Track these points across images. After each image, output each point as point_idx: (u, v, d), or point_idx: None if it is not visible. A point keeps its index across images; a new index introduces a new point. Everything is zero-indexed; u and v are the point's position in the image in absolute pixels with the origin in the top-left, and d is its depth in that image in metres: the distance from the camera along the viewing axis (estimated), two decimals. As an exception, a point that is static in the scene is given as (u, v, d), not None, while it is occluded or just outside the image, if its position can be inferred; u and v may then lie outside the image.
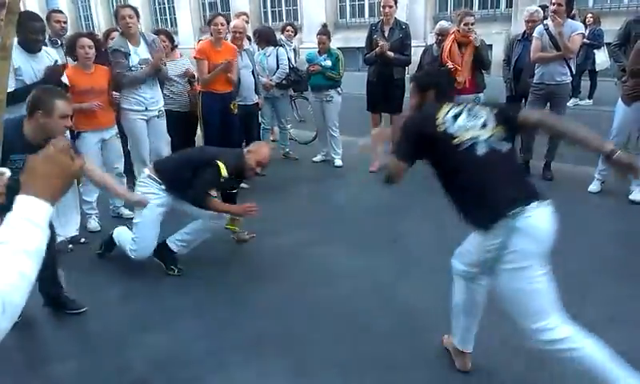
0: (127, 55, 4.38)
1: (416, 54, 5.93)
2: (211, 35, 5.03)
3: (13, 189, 1.16)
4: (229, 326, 2.99)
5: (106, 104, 4.20)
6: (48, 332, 3.01)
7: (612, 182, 4.78)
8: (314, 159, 6.27)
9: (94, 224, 4.40)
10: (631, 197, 4.54)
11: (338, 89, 5.92)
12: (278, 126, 6.42)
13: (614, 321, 2.88)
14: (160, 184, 3.53)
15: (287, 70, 5.96)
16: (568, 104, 5.97)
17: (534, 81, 5.11)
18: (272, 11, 15.62)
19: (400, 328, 2.90)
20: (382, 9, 5.51)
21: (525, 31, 5.52)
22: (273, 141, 6.69)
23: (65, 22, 4.98)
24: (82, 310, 3.17)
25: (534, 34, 5.06)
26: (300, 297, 3.27)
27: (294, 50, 6.60)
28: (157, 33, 5.41)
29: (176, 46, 5.54)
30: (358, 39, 6.24)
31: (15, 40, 3.63)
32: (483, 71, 5.38)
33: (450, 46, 5.21)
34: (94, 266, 3.81)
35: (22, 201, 1.00)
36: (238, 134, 5.32)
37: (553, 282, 2.25)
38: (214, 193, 3.74)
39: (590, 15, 8.59)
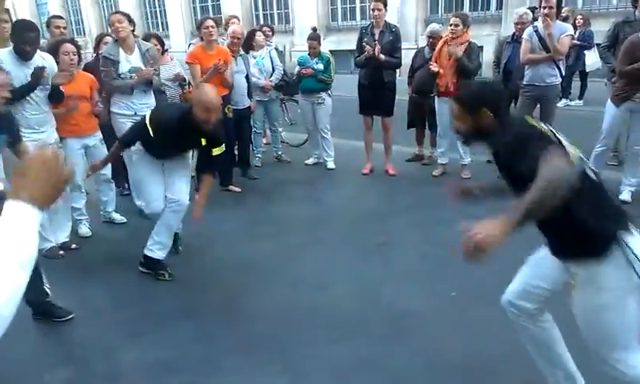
0: (116, 63, 4.32)
1: (407, 57, 5.94)
2: (202, 40, 5.00)
3: None
4: (221, 330, 2.98)
5: (87, 110, 4.18)
6: (37, 341, 2.98)
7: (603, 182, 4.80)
8: (307, 162, 6.26)
9: (84, 229, 4.37)
10: (621, 197, 4.57)
11: (329, 91, 5.93)
12: (270, 128, 6.41)
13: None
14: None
15: (282, 71, 5.98)
16: (558, 105, 6.02)
17: (524, 82, 5.13)
18: (263, 15, 15.61)
19: (392, 330, 2.91)
20: (371, 12, 5.52)
21: (514, 33, 5.55)
22: (266, 144, 6.69)
23: (64, 28, 5.00)
24: (69, 317, 3.11)
25: (524, 36, 5.08)
26: (292, 300, 3.26)
27: (277, 49, 6.59)
28: (148, 37, 5.39)
29: (166, 50, 5.52)
30: (350, 42, 6.26)
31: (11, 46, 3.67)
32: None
33: (441, 48, 5.23)
34: (85, 272, 3.78)
35: (12, 208, 0.98)
36: (232, 137, 5.31)
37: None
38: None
39: (579, 16, 8.65)
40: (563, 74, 5.16)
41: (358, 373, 2.57)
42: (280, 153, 6.49)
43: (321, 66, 5.76)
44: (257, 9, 15.70)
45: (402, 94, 5.82)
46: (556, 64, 4.97)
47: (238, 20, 6.43)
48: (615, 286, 1.80)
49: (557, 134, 1.93)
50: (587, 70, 8.48)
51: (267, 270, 3.69)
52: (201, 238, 4.26)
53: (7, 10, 4.26)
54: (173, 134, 3.29)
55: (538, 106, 5.15)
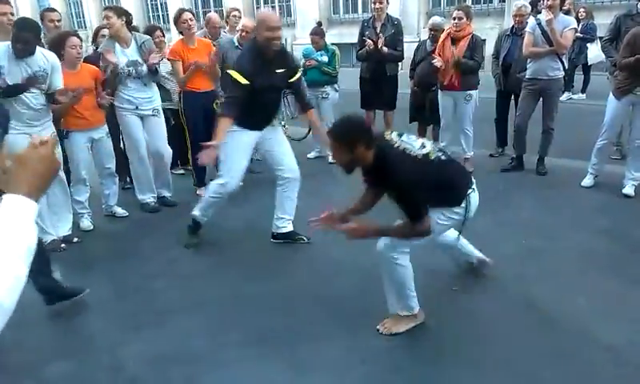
0: (115, 69, 4.30)
1: (409, 50, 5.92)
2: (181, 34, 4.85)
3: None
4: (224, 324, 2.98)
5: (93, 103, 4.17)
6: (40, 333, 2.99)
7: (605, 177, 4.80)
8: (309, 156, 6.25)
9: (86, 223, 4.37)
10: (624, 191, 4.56)
11: (335, 85, 5.89)
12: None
13: (607, 316, 2.89)
14: None
15: None
16: (561, 98, 5.99)
17: (527, 76, 5.11)
18: (265, 8, 15.54)
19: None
20: (373, 5, 5.50)
21: (513, 26, 5.52)
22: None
23: (59, 21, 4.91)
24: (84, 293, 3.19)
25: (527, 29, 5.05)
26: (296, 293, 3.26)
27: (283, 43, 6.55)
28: (152, 29, 5.37)
29: (167, 44, 5.50)
30: (352, 35, 6.24)
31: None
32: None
33: (444, 41, 5.20)
34: (87, 266, 3.79)
35: (9, 200, 0.98)
36: None
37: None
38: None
39: (582, 9, 8.60)
40: (566, 67, 5.14)
41: (361, 367, 2.58)
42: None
43: (325, 58, 5.72)
44: (258, 2, 15.64)
45: (404, 87, 5.80)
46: (559, 57, 4.95)
47: (239, 12, 6.39)
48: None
49: (415, 143, 2.60)
50: (590, 63, 8.44)
51: (269, 264, 3.69)
52: (203, 232, 4.27)
53: (9, 2, 4.21)
54: (257, 71, 3.41)
55: (541, 99, 5.14)
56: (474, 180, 2.79)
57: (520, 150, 5.37)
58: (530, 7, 5.60)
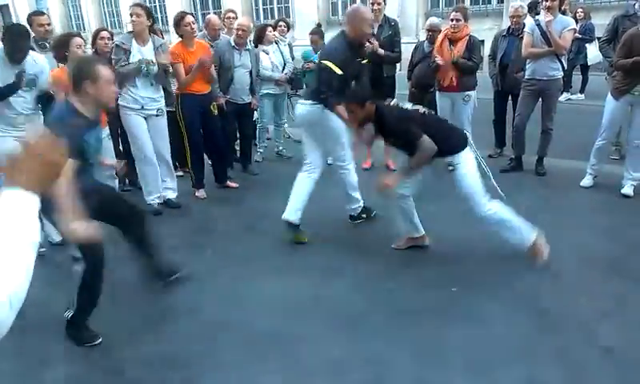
0: (128, 52, 4.36)
1: (407, 51, 5.91)
2: (181, 37, 4.84)
3: None
4: (222, 326, 2.98)
5: None
6: (39, 337, 2.98)
7: (604, 177, 4.80)
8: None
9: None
10: (623, 191, 4.56)
11: None
12: (275, 122, 6.37)
13: (607, 316, 2.89)
14: None
15: (292, 65, 5.98)
16: (560, 99, 5.99)
17: (526, 76, 5.11)
18: (263, 9, 15.57)
19: (392, 326, 2.90)
20: (370, 6, 5.49)
21: (509, 26, 5.53)
22: (268, 139, 6.66)
23: (49, 24, 4.81)
24: (179, 274, 3.38)
25: (526, 30, 5.06)
26: (293, 295, 3.26)
27: (289, 45, 6.56)
28: (152, 31, 5.37)
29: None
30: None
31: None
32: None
33: (442, 42, 5.21)
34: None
35: (12, 195, 0.98)
36: (222, 135, 5.22)
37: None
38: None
39: (580, 10, 8.62)
40: (565, 67, 5.14)
41: (358, 368, 2.57)
42: (281, 148, 6.48)
43: (325, 61, 5.74)
44: (257, 3, 15.65)
45: (402, 88, 5.79)
46: (558, 58, 4.95)
47: (235, 13, 6.40)
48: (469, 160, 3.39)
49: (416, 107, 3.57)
50: (589, 64, 8.45)
51: (268, 266, 3.68)
52: (201, 234, 4.26)
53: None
54: (348, 62, 3.77)
55: (540, 99, 5.14)
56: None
57: (519, 150, 5.37)
58: (526, 8, 5.61)
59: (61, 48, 4.00)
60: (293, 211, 3.95)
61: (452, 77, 5.16)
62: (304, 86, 6.04)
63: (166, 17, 17.29)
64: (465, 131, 3.55)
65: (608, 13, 8.39)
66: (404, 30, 5.29)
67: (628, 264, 3.45)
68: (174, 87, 5.23)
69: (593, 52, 8.13)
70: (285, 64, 5.91)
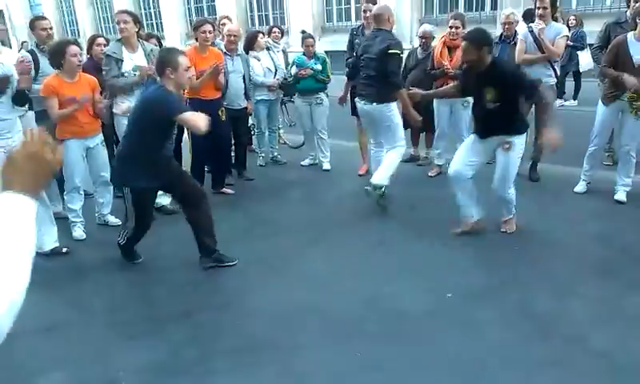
0: (120, 61, 4.36)
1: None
2: (196, 40, 4.97)
3: None
4: (216, 332, 2.97)
5: (90, 113, 4.16)
6: (34, 343, 2.96)
7: (597, 183, 4.83)
8: (302, 163, 6.26)
9: (79, 232, 4.34)
10: (616, 197, 4.58)
11: (326, 91, 5.93)
12: (270, 128, 6.36)
13: (601, 321, 2.90)
14: None
15: (284, 71, 6.00)
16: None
17: (519, 83, 5.14)
18: (259, 15, 15.60)
19: (388, 331, 2.90)
20: (362, 13, 5.53)
21: (502, 33, 5.56)
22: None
23: (51, 29, 4.86)
24: (234, 262, 3.66)
25: (519, 36, 5.10)
26: (288, 301, 3.25)
27: (284, 51, 6.58)
28: (148, 37, 5.38)
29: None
30: (345, 42, 6.26)
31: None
32: None
33: (441, 50, 5.22)
34: (79, 275, 3.77)
35: (10, 199, 0.98)
36: (228, 140, 5.27)
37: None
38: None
39: (572, 17, 8.68)
40: (558, 74, 5.18)
41: (354, 374, 2.57)
42: (276, 154, 6.49)
43: (319, 67, 5.76)
44: (252, 10, 15.69)
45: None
46: (551, 64, 4.99)
47: (230, 20, 6.42)
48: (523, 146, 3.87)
49: None
50: (581, 71, 8.51)
51: (263, 272, 3.68)
52: (193, 242, 4.24)
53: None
54: None
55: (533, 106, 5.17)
56: None
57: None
58: (517, 15, 5.65)
59: (57, 56, 3.99)
60: (384, 178, 4.55)
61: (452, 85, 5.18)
62: (295, 93, 6.04)
63: (161, 23, 17.32)
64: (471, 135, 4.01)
65: (600, 20, 8.43)
66: (398, 36, 5.29)
67: (621, 269, 3.46)
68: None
69: (585, 59, 8.19)
70: (276, 70, 5.92)
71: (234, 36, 5.27)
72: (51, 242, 4.01)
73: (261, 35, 5.99)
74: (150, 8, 17.89)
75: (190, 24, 15.64)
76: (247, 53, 5.72)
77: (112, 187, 4.60)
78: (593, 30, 7.71)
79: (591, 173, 4.80)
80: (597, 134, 4.69)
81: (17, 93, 3.82)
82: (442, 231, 4.08)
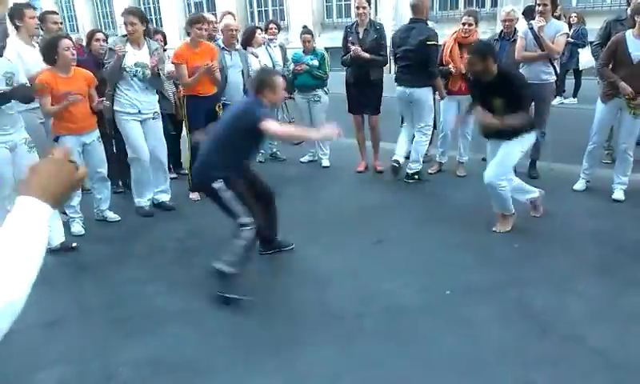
0: (121, 56, 4.34)
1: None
2: (188, 35, 4.88)
3: None
4: (215, 329, 2.97)
5: (87, 109, 4.16)
6: (31, 339, 2.96)
7: (596, 181, 4.83)
8: (302, 160, 6.25)
9: (77, 228, 4.34)
10: (614, 196, 4.59)
11: (325, 88, 5.91)
12: None
13: (598, 318, 2.91)
14: None
15: (282, 67, 5.99)
16: (553, 103, 6.02)
17: (519, 80, 5.13)
18: (258, 11, 15.57)
19: (387, 328, 2.91)
20: (356, 10, 5.52)
21: (502, 30, 5.55)
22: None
23: (61, 23, 4.89)
24: (291, 246, 3.86)
25: (519, 34, 5.09)
26: (287, 298, 3.26)
27: (281, 47, 6.57)
28: (155, 32, 5.36)
29: (165, 48, 5.50)
30: (346, 39, 6.27)
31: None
32: None
33: (452, 47, 5.20)
34: (78, 271, 3.77)
35: (25, 203, 0.98)
36: None
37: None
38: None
39: (574, 14, 8.67)
40: (558, 72, 5.17)
41: (353, 371, 2.57)
42: (275, 150, 6.48)
43: (315, 62, 5.74)
44: (251, 5, 15.66)
45: (391, 91, 5.79)
46: (551, 62, 4.98)
47: (233, 15, 6.39)
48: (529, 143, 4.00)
49: None
50: (581, 68, 8.51)
51: (261, 268, 3.68)
52: (194, 237, 4.25)
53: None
54: None
55: (533, 103, 5.16)
56: None
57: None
58: (518, 12, 5.64)
59: (50, 51, 3.97)
60: (417, 164, 5.23)
61: (460, 83, 5.17)
62: (295, 90, 6.02)
63: (160, 19, 17.28)
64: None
65: (601, 18, 8.42)
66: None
67: (619, 267, 3.47)
68: (169, 93, 5.23)
69: (585, 57, 8.19)
70: (274, 66, 5.90)
71: (234, 31, 5.25)
72: (59, 237, 4.01)
73: (259, 31, 5.97)
74: (149, 3, 17.84)
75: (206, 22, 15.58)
76: (245, 49, 5.70)
77: (109, 183, 4.61)
78: (593, 27, 7.71)
79: (590, 171, 4.80)
80: (595, 132, 4.70)
81: (20, 89, 3.76)
82: (441, 228, 4.08)
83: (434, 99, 5.41)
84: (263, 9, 15.45)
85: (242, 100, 3.63)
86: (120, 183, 5.32)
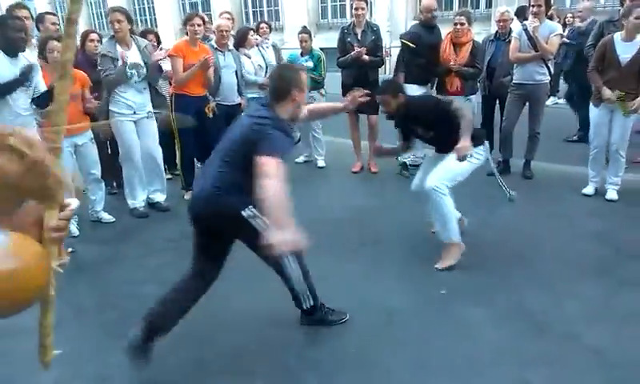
0: (115, 60, 4.34)
1: (395, 55, 5.94)
2: (186, 35, 4.92)
3: None
4: (208, 331, 2.95)
5: (79, 109, 4.14)
6: (25, 342, 2.93)
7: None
8: (297, 160, 6.25)
9: (72, 229, 4.32)
10: (607, 196, 4.61)
11: (322, 90, 5.91)
12: None
13: (594, 318, 2.92)
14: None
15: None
16: (548, 103, 6.06)
17: (513, 81, 5.16)
18: (253, 11, 15.56)
19: (380, 329, 2.91)
20: (353, 10, 5.52)
21: (497, 31, 5.57)
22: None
23: (58, 24, 4.91)
24: (345, 319, 2.96)
25: (513, 34, 5.11)
26: (280, 300, 3.23)
27: (274, 47, 6.56)
28: (146, 32, 5.35)
29: (160, 49, 5.48)
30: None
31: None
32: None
33: (446, 47, 5.20)
34: (72, 272, 3.74)
35: None
36: (216, 138, 5.21)
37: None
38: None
39: (570, 15, 8.70)
40: (552, 72, 5.20)
41: (344, 372, 2.57)
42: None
43: (310, 64, 5.73)
44: (246, 6, 15.64)
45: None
46: (545, 63, 5.00)
47: (230, 15, 6.38)
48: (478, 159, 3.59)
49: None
50: (575, 68, 8.52)
51: (254, 270, 3.64)
52: (189, 238, 4.22)
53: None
54: None
55: (527, 104, 5.19)
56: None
57: (507, 154, 5.41)
58: (512, 13, 5.67)
59: (42, 50, 4.01)
60: None
61: (457, 84, 5.18)
62: None
63: (155, 19, 17.24)
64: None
65: (595, 18, 8.48)
66: (393, 34, 5.31)
67: (615, 266, 3.48)
68: (164, 90, 5.21)
69: (580, 57, 8.21)
70: (267, 67, 5.89)
71: (225, 31, 5.25)
72: None
73: (251, 32, 5.96)
74: (144, 3, 17.81)
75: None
76: (237, 50, 5.69)
77: (104, 184, 4.59)
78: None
79: (598, 178, 4.75)
80: (593, 136, 4.69)
81: (42, 93, 3.77)
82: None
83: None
84: (258, 9, 15.43)
85: (254, 111, 2.71)
86: (114, 184, 5.30)
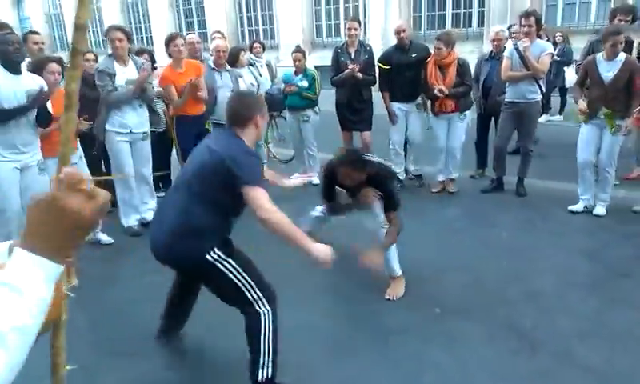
0: (112, 76, 4.37)
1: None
2: (170, 56, 4.91)
3: None
4: (200, 349, 2.95)
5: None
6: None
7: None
8: (292, 178, 6.25)
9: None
10: (595, 212, 4.65)
11: (316, 108, 5.95)
12: (256, 143, 6.37)
13: (586, 336, 2.93)
14: None
15: (266, 87, 6.02)
16: (540, 120, 6.11)
17: (506, 99, 5.22)
18: (249, 30, 15.69)
19: (376, 347, 2.91)
20: (347, 31, 5.60)
21: (492, 50, 5.65)
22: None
23: (43, 43, 4.90)
24: None
25: (505, 54, 5.18)
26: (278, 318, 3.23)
27: (268, 65, 6.62)
28: (140, 52, 5.40)
29: (155, 68, 5.53)
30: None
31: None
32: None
33: (432, 69, 5.25)
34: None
35: (17, 258, 0.75)
36: None
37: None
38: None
39: (559, 33, 8.85)
40: (544, 90, 5.26)
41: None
42: (265, 168, 6.48)
43: (305, 84, 5.78)
44: (242, 25, 15.78)
45: (379, 108, 5.86)
46: (536, 81, 5.07)
47: (222, 34, 6.45)
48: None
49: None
50: (567, 86, 8.65)
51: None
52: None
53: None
54: None
55: (520, 121, 5.24)
56: None
57: (500, 171, 5.44)
58: (507, 32, 5.75)
59: (38, 71, 3.99)
60: None
61: (450, 104, 5.23)
62: (285, 108, 6.08)
63: (151, 37, 17.36)
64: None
65: (584, 36, 8.60)
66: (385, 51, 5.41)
67: (605, 284, 3.51)
68: (159, 108, 5.26)
69: (571, 75, 8.33)
70: (259, 85, 5.94)
71: (223, 52, 5.30)
72: None
73: (242, 52, 6.02)
74: (140, 23, 17.94)
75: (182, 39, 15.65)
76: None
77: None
78: (579, 46, 7.85)
79: (588, 196, 4.77)
80: (579, 152, 4.74)
81: (40, 111, 3.78)
82: (431, 247, 4.09)
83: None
84: (254, 28, 15.57)
85: (223, 138, 2.60)
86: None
